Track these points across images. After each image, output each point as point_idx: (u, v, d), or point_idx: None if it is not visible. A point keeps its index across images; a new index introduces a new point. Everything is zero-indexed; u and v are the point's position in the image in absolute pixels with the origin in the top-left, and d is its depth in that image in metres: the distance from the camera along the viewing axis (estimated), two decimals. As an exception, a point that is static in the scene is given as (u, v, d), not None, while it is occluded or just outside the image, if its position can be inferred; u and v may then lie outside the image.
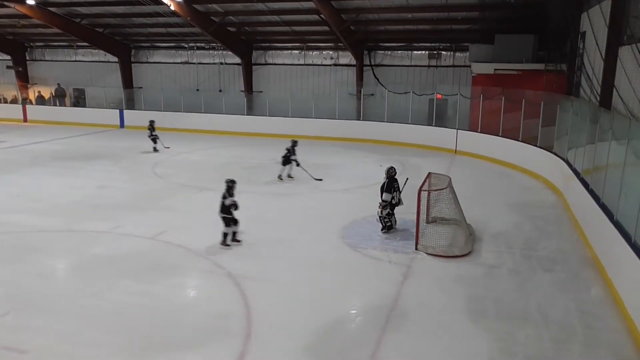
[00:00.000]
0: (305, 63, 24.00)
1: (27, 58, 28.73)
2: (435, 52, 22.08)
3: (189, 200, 11.77)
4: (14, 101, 26.91)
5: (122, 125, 24.09)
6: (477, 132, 17.22)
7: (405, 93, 19.98)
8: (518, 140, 15.14)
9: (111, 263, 8.05)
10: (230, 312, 6.50)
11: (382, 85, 22.07)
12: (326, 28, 20.54)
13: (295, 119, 21.44)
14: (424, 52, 22.28)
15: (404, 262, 8.17)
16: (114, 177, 13.91)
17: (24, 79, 28.30)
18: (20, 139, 20.07)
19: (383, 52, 22.70)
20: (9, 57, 28.10)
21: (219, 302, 6.84)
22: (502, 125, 16.00)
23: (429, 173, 9.86)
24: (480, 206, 11.14)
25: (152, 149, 17.75)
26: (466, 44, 20.60)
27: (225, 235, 8.80)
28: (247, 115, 22.77)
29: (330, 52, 23.53)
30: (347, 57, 22.99)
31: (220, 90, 24.63)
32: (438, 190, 9.30)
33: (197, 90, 24.80)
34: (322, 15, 19.28)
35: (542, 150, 13.88)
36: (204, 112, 22.57)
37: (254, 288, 7.14)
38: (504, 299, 6.96)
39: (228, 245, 8.78)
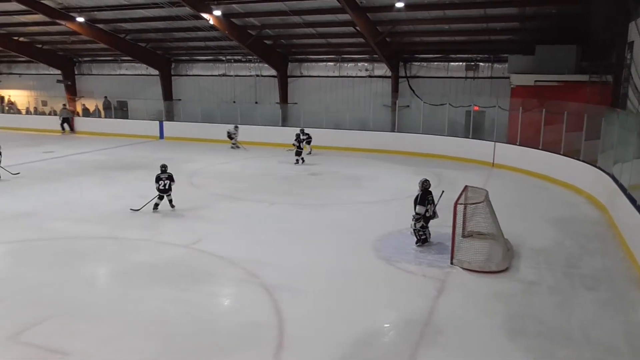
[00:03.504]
0: (340, 75, 24.12)
1: (76, 72, 29.95)
2: (472, 63, 21.83)
3: (223, 210, 11.97)
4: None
5: (161, 136, 24.75)
6: (516, 144, 16.87)
7: (441, 105, 19.80)
8: (559, 154, 14.75)
9: (150, 270, 8.26)
10: (263, 322, 6.54)
11: (417, 96, 21.95)
12: (361, 40, 20.62)
13: (329, 130, 21.55)
14: (461, 63, 22.05)
15: (438, 277, 8.05)
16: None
17: (72, 92, 29.48)
18: (67, 150, 20.88)
19: (419, 63, 22.59)
20: (59, 72, 29.35)
21: (252, 311, 6.90)
22: (542, 138, 15.62)
23: (466, 186, 9.72)
24: (519, 221, 10.88)
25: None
26: (505, 55, 20.29)
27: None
28: (281, 126, 23.02)
29: (365, 64, 23.58)
30: (382, 69, 22.99)
31: (256, 102, 25.00)
32: (475, 203, 9.14)
33: (234, 102, 25.25)
34: (357, 27, 19.38)
35: (585, 164, 13.46)
36: (240, 124, 22.92)
37: (286, 298, 7.18)
38: (544, 318, 6.75)
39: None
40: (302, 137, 18.45)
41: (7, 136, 21.59)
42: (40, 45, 28.11)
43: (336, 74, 24.19)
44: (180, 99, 26.96)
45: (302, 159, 18.22)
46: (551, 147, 15.16)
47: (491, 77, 21.51)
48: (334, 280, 7.97)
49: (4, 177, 15.15)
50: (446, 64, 22.28)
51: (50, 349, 5.82)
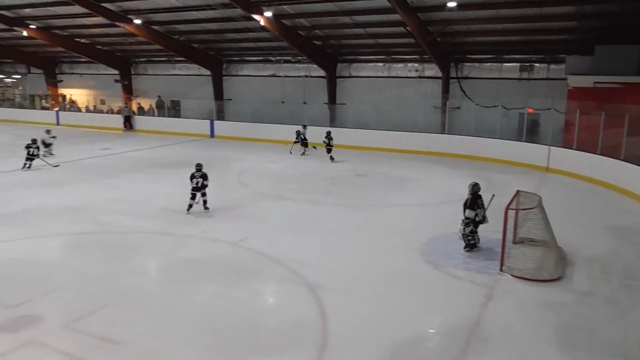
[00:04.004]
0: (390, 75, 23.91)
1: (132, 72, 31.08)
2: (527, 64, 21.11)
3: (270, 209, 12.09)
4: (119, 112, 29.13)
5: (212, 135, 25.32)
6: (572, 149, 16.18)
7: (493, 107, 19.27)
8: (619, 159, 14.03)
9: (198, 266, 8.45)
10: (307, 321, 6.56)
11: (468, 98, 21.46)
12: (412, 40, 20.36)
13: (377, 131, 21.40)
14: (515, 64, 21.37)
15: (487, 283, 7.82)
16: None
17: (128, 92, 30.63)
18: (123, 147, 21.70)
19: (471, 64, 22.08)
20: (117, 72, 30.56)
21: (296, 310, 6.93)
22: (601, 142, 14.92)
23: (518, 191, 9.40)
24: (574, 228, 10.42)
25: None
26: (562, 55, 19.51)
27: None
28: (329, 127, 23.03)
29: (415, 65, 23.26)
30: (432, 70, 22.61)
31: (304, 103, 25.15)
32: (527, 209, 8.83)
33: (282, 102, 25.50)
34: (407, 27, 19.15)
35: (647, 170, 12.77)
36: (288, 124, 23.13)
37: (331, 299, 7.16)
38: (598, 331, 6.43)
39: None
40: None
41: (67, 133, 22.68)
42: (100, 47, 29.37)
43: (385, 74, 24.00)
44: (230, 99, 27.49)
45: (332, 157, 18.63)
46: (611, 152, 14.44)
47: (547, 79, 20.72)
48: (378, 282, 7.89)
49: (62, 173, 15.95)
50: (499, 64, 21.65)
51: (102, 338, 6.04)
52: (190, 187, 11.42)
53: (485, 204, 9.14)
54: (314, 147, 20.13)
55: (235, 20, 21.42)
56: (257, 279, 8.03)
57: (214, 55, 27.33)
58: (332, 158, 18.63)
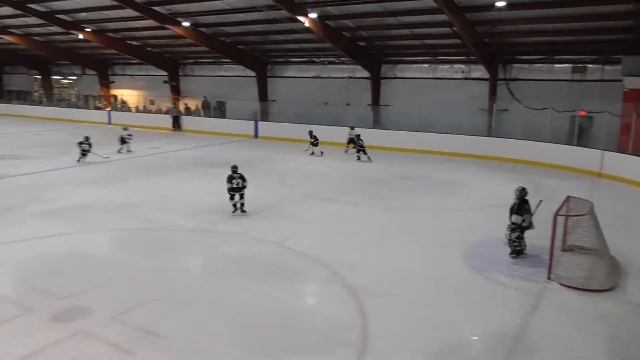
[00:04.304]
0: (435, 77, 23.55)
1: (180, 74, 31.93)
2: (580, 65, 20.33)
3: (312, 210, 12.13)
4: (168, 112, 29.98)
5: (256, 135, 25.67)
6: (628, 153, 15.47)
7: (543, 109, 18.67)
8: (679, 165, 13.33)
9: (239, 264, 8.57)
10: (347, 323, 6.53)
11: (517, 100, 20.88)
12: (458, 41, 20.00)
13: (421, 133, 21.15)
14: (566, 65, 20.64)
15: (533, 291, 7.56)
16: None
17: (176, 93, 31.48)
18: (170, 146, 22.31)
19: (519, 65, 21.47)
20: (166, 73, 31.47)
21: (336, 311, 6.91)
22: (658, 147, 14.22)
23: (568, 197, 9.06)
24: (628, 237, 9.96)
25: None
26: (618, 56, 18.68)
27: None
28: (373, 128, 22.95)
29: (462, 66, 22.83)
30: (479, 71, 22.13)
31: (347, 104, 25.13)
32: (577, 215, 8.49)
33: (326, 103, 25.56)
34: (454, 28, 18.82)
35: None
36: (331, 125, 23.18)
37: (371, 301, 7.11)
38: (654, 344, 6.12)
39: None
40: (351, 132, 19.74)
41: (118, 132, 23.47)
42: (150, 49, 30.31)
43: (430, 75, 23.67)
44: (274, 100, 27.79)
45: (359, 156, 19.09)
46: (670, 157, 13.74)
47: (601, 80, 19.88)
48: (420, 286, 7.77)
49: (113, 171, 16.55)
50: (550, 65, 20.96)
51: (147, 331, 6.21)
52: (228, 188, 11.35)
53: (532, 210, 8.86)
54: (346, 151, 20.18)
55: (280, 22, 21.64)
56: (298, 278, 8.06)
57: (259, 56, 27.71)
58: (359, 157, 19.05)
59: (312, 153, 20.20)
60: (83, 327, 6.25)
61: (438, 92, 23.27)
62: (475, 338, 6.47)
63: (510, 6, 16.54)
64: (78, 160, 17.60)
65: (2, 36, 30.99)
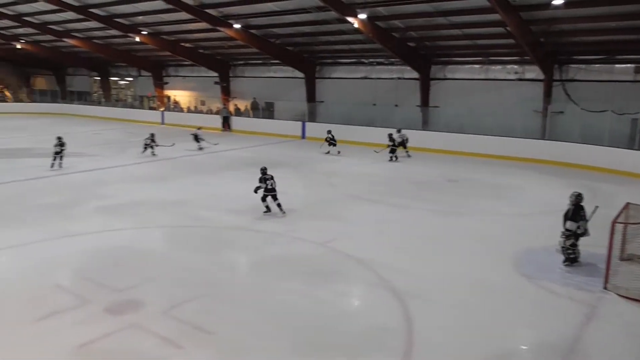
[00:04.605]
0: (486, 78, 22.94)
1: (230, 75, 32.56)
2: (643, 65, 19.31)
3: (358, 211, 12.09)
4: (218, 112, 30.65)
5: (303, 136, 25.86)
6: (694, 159, 14.58)
7: (602, 111, 17.85)
8: None
9: (285, 263, 8.65)
10: (391, 327, 6.47)
11: (573, 102, 20.05)
12: (512, 41, 19.41)
13: (471, 135, 20.70)
14: (629, 65, 19.62)
15: (588, 301, 7.25)
16: (293, 184, 14.94)
17: (226, 94, 32.15)
18: (219, 146, 22.80)
19: (577, 65, 20.58)
20: (216, 74, 32.20)
21: (380, 315, 6.86)
22: None
23: (627, 203, 8.63)
24: (694, 247, 9.37)
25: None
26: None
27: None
28: (421, 130, 22.63)
29: (515, 67, 22.13)
30: (533, 72, 21.39)
31: (396, 105, 24.89)
32: (637, 224, 8.07)
33: (374, 104, 25.42)
34: (507, 28, 18.28)
35: None
36: (379, 127, 23.04)
37: (416, 306, 7.01)
38: None
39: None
40: (395, 135, 19.70)
41: (171, 132, 24.28)
42: (202, 51, 31.09)
43: (482, 76, 23.08)
44: (322, 101, 27.89)
45: (395, 157, 19.32)
46: None
47: (667, 81, 18.81)
48: (468, 292, 7.60)
49: (165, 169, 17.12)
50: (610, 66, 19.97)
51: (196, 326, 6.37)
52: (260, 190, 11.34)
53: (588, 216, 8.49)
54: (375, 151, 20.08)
55: (329, 23, 21.70)
56: (343, 280, 8.06)
57: (308, 57, 27.88)
58: (396, 157, 19.25)
59: (328, 152, 20.67)
60: (135, 320, 6.49)
61: (489, 94, 22.67)
62: (525, 347, 6.27)
63: (568, 4, 15.89)
64: (142, 152, 19.43)
65: (66, 40, 32.62)
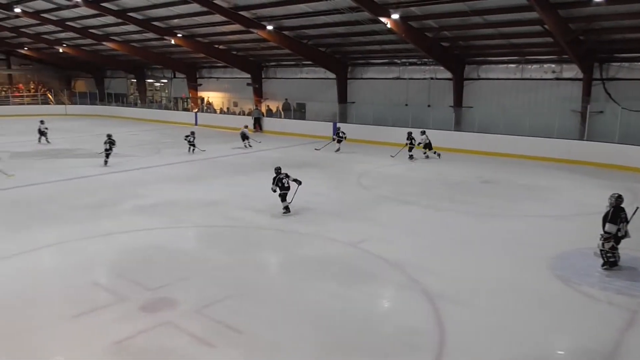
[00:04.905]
0: (522, 77, 22.45)
1: (262, 76, 32.86)
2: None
3: (390, 212, 12.01)
4: (250, 114, 30.98)
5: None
6: None
7: (644, 110, 17.23)
8: None
9: (316, 264, 8.66)
10: (423, 330, 6.40)
11: (614, 101, 19.40)
12: (549, 39, 18.94)
13: (506, 136, 20.30)
14: (674, 62, 18.87)
15: (629, 307, 7.00)
16: (323, 185, 14.97)
17: (259, 95, 32.47)
18: (252, 147, 23.02)
19: (619, 64, 19.89)
20: (249, 76, 32.56)
21: (411, 317, 6.80)
22: None
23: (671, 206, 8.30)
24: None
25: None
26: None
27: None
28: (454, 130, 22.32)
29: (552, 65, 21.58)
30: (572, 71, 20.81)
31: (428, 106, 24.62)
32: (682, 227, 7.77)
33: (406, 105, 25.21)
34: (545, 26, 17.84)
35: None
36: (412, 127, 22.83)
37: (449, 309, 6.92)
38: None
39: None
40: (412, 136, 19.64)
41: (204, 132, 24.67)
42: (235, 52, 31.48)
43: (517, 76, 22.59)
44: (354, 102, 27.84)
45: (411, 155, 19.48)
46: None
47: None
48: (502, 295, 7.45)
49: (199, 169, 17.43)
50: (655, 64, 19.25)
51: (227, 325, 6.46)
52: (280, 188, 11.45)
53: (628, 218, 8.20)
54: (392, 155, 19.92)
55: (361, 24, 21.65)
56: (374, 282, 8.02)
57: (340, 58, 27.88)
58: (411, 157, 19.40)
59: (338, 150, 21.52)
60: (168, 318, 6.62)
61: (526, 94, 22.18)
62: (561, 352, 6.11)
63: (609, 0, 15.40)
64: (189, 151, 20.72)
65: (105, 43, 33.59)
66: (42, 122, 23.76)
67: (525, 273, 8.28)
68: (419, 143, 19.73)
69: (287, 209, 11.56)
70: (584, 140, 18.91)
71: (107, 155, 17.84)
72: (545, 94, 21.51)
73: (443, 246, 9.64)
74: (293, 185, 11.62)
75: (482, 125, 21.51)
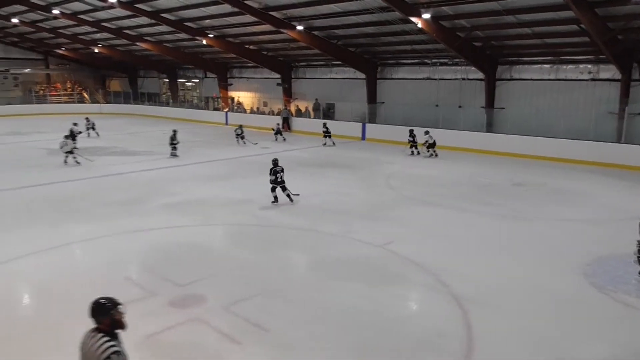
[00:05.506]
0: (557, 78, 21.91)
1: (292, 76, 33.00)
2: None
3: (418, 214, 11.90)
4: (279, 113, 31.14)
5: (363, 137, 25.77)
6: None
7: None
8: None
9: (342, 264, 8.65)
10: (450, 333, 6.32)
11: (654, 103, 18.77)
12: (585, 39, 18.43)
13: (539, 138, 19.88)
14: None
15: (667, 316, 6.76)
16: (351, 185, 14.93)
17: (288, 95, 32.62)
18: (280, 146, 23.19)
19: (659, 64, 19.26)
20: (279, 76, 32.75)
21: (439, 319, 6.72)
22: None
23: None
24: None
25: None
26: None
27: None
28: (486, 132, 21.96)
29: (589, 66, 21.00)
30: (609, 71, 20.20)
31: (459, 106, 24.30)
32: None
33: (436, 105, 24.94)
34: (582, 25, 17.38)
35: None
36: (442, 128, 22.58)
37: (477, 312, 6.81)
38: None
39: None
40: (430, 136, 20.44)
41: (234, 132, 24.95)
42: (265, 52, 31.71)
43: (552, 77, 22.07)
44: (383, 102, 27.69)
45: (417, 151, 20.63)
46: None
47: None
48: (532, 301, 7.29)
49: (228, 168, 17.63)
50: (698, 63, 18.54)
51: (254, 323, 6.51)
52: (273, 180, 12.39)
53: (669, 225, 7.92)
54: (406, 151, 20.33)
55: (392, 24, 21.51)
56: (401, 283, 7.96)
57: (370, 58, 27.77)
58: (418, 152, 20.68)
59: (325, 144, 23.33)
60: (197, 314, 6.71)
61: (560, 95, 21.65)
62: (595, 362, 5.93)
63: (649, -2, 14.91)
64: (239, 142, 23.07)
65: (139, 43, 34.31)
66: (87, 119, 24.79)
67: (557, 278, 8.08)
68: (426, 142, 20.26)
69: (275, 199, 12.41)
70: (621, 143, 18.35)
71: (174, 148, 19.54)
72: (580, 95, 20.96)
73: (471, 249, 9.49)
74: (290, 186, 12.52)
75: (514, 127, 21.10)
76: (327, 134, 23.68)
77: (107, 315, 3.67)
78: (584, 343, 6.23)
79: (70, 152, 18.13)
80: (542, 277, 8.16)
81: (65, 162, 18.10)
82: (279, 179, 12.38)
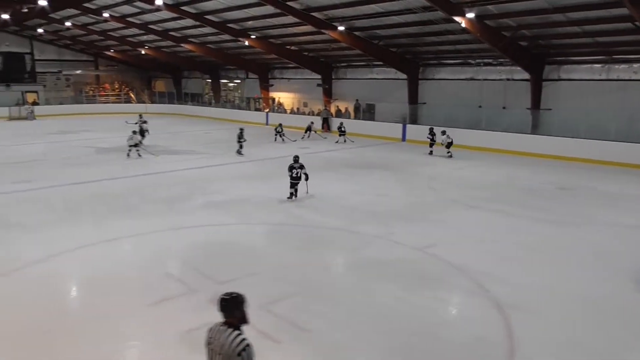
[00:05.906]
0: (608, 78, 21.04)
1: (332, 77, 33.00)
2: None
3: (459, 217, 11.67)
4: (319, 114, 31.22)
5: (403, 138, 25.51)
6: None
7: None
8: None
9: (381, 266, 8.57)
10: (491, 339, 6.16)
11: None
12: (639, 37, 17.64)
13: (587, 140, 19.14)
14: None
15: None
16: (391, 187, 14.79)
17: (328, 95, 32.66)
18: (319, 146, 23.22)
19: None
20: (319, 77, 32.83)
21: (479, 325, 6.56)
22: None
23: None
24: None
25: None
26: None
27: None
28: (531, 134, 21.35)
29: (644, 66, 20.08)
30: (665, 71, 19.27)
31: (503, 108, 23.69)
32: None
33: (480, 106, 24.41)
34: (636, 22, 16.63)
35: None
36: (485, 130, 22.08)
37: (519, 318, 6.61)
38: None
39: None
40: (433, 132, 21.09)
41: (274, 132, 25.18)
42: (306, 53, 31.85)
43: (603, 77, 21.20)
44: (424, 103, 27.32)
45: (431, 151, 20.91)
46: None
47: None
48: (578, 308, 7.02)
49: (267, 168, 17.82)
50: None
51: (292, 323, 6.53)
52: (290, 178, 12.75)
53: None
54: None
55: (434, 23, 21.20)
56: (441, 287, 7.82)
57: (411, 59, 27.46)
58: (431, 152, 20.79)
59: (337, 141, 24.29)
60: (236, 311, 6.78)
61: (611, 95, 20.77)
62: (646, 376, 5.65)
63: None
64: (277, 139, 24.41)
65: (183, 45, 35.15)
66: (140, 115, 25.70)
67: (605, 285, 7.76)
68: (448, 142, 20.22)
69: (291, 195, 12.78)
70: (677, 146, 17.47)
71: (241, 146, 20.36)
72: (634, 96, 20.03)
73: (513, 253, 9.23)
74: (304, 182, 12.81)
75: (561, 129, 20.40)
76: (342, 132, 24.64)
77: (239, 310, 3.82)
78: (633, 354, 5.95)
79: (135, 146, 19.02)
80: (589, 283, 7.86)
81: (128, 155, 18.96)
82: (293, 175, 12.71)
